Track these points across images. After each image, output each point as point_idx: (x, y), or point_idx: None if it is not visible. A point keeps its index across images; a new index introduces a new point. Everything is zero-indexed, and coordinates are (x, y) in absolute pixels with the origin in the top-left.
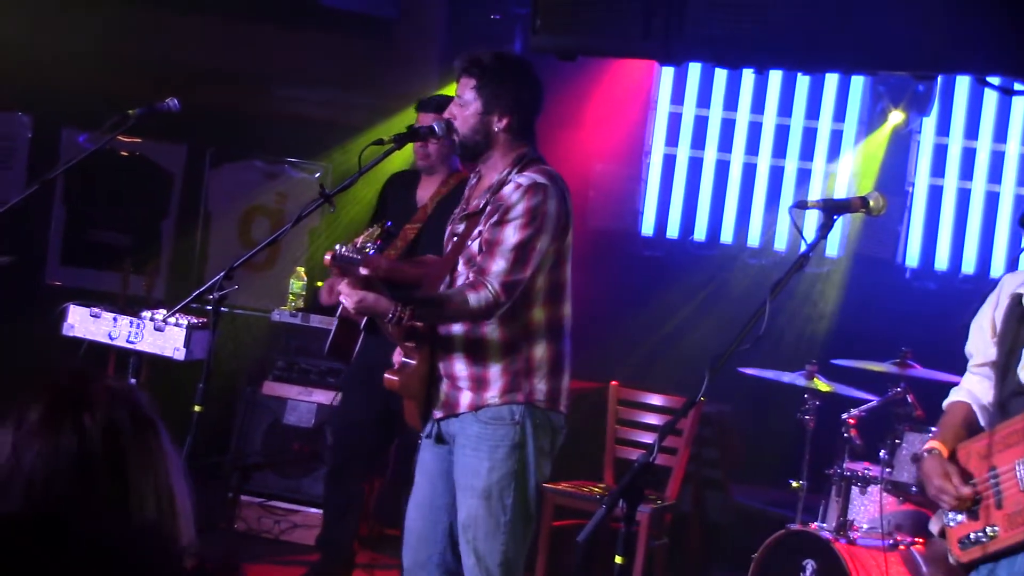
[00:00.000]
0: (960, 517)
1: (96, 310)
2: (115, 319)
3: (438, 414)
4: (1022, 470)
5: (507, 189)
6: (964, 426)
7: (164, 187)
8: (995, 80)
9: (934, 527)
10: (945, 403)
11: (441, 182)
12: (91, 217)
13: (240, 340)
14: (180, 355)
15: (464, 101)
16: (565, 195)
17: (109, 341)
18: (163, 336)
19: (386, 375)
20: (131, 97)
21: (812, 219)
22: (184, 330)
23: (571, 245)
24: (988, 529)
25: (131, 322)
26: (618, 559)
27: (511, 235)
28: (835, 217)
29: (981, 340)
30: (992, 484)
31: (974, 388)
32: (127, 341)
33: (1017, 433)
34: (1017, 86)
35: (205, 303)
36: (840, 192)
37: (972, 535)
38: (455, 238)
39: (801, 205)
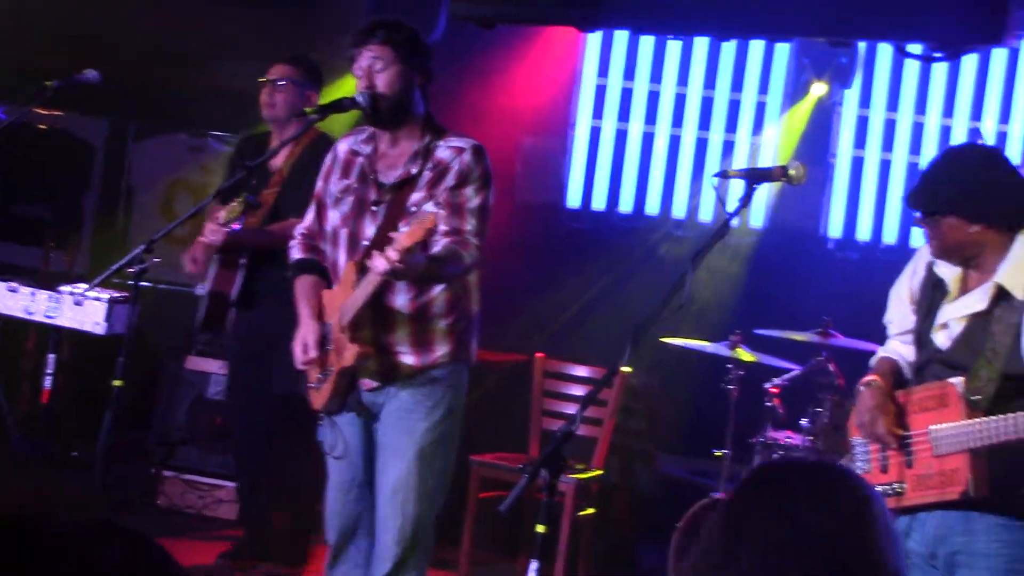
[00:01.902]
0: (870, 467)
1: (13, 284)
2: (33, 293)
3: (370, 384)
4: (936, 436)
5: (445, 154)
6: (893, 374)
7: (85, 160)
8: (916, 49)
9: None
10: (872, 360)
11: (294, 142)
12: (11, 191)
13: (164, 315)
14: (100, 329)
15: (384, 64)
16: None
17: (27, 316)
18: (83, 310)
19: (356, 348)
20: (51, 71)
21: (736, 190)
22: (105, 304)
23: None
24: (896, 485)
25: (50, 296)
26: (540, 528)
27: (473, 196)
28: (756, 186)
29: (899, 309)
30: (905, 443)
31: (899, 349)
32: (45, 316)
33: (933, 399)
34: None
35: (127, 277)
36: (765, 163)
37: (880, 487)
38: (376, 207)
39: (723, 175)
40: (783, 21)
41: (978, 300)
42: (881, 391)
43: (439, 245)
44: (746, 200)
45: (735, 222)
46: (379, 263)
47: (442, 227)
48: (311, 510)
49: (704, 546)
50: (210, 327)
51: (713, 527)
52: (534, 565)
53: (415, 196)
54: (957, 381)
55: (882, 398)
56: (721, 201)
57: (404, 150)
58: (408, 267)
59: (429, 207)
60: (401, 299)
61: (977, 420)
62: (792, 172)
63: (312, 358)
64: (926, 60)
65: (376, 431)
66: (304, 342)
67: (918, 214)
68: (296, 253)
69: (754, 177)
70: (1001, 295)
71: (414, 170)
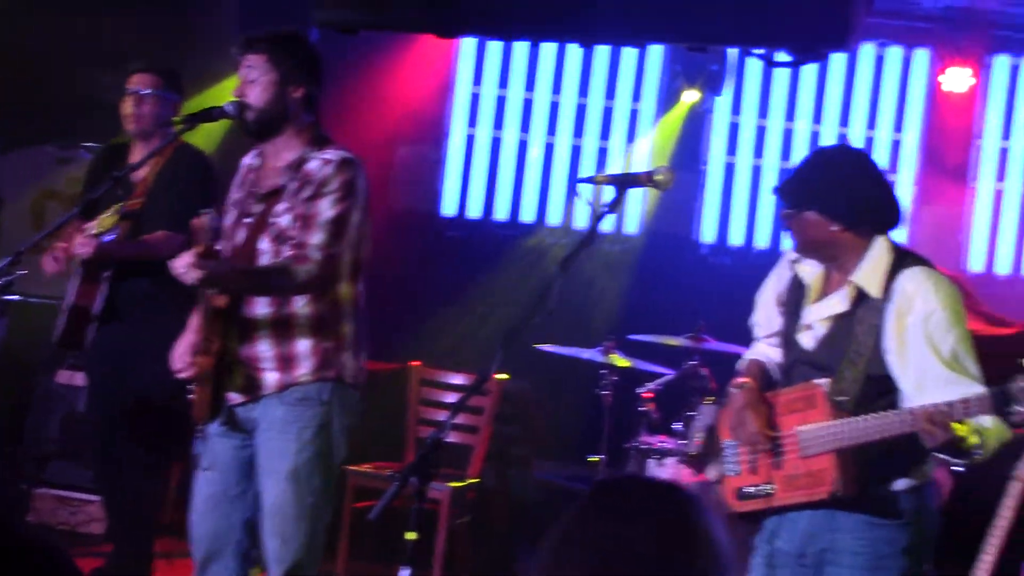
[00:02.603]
0: (740, 468)
1: None
2: None
3: (237, 399)
4: (804, 437)
5: (313, 165)
6: (763, 375)
7: None
8: (785, 57)
9: (712, 473)
10: (740, 363)
11: (158, 153)
12: None
13: (34, 328)
14: None
15: (257, 74)
16: (365, 174)
17: None
18: None
19: (200, 358)
20: None
21: (609, 196)
22: None
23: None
24: (766, 486)
25: None
26: (410, 535)
27: (327, 208)
28: (625, 192)
29: (765, 311)
30: (775, 444)
31: (766, 351)
32: None
33: (800, 400)
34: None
35: None
36: (638, 170)
37: (750, 488)
38: (248, 219)
39: (591, 180)
40: (648, 28)
41: (839, 302)
42: (753, 392)
43: (280, 256)
44: (614, 205)
45: (608, 227)
46: (174, 266)
47: (284, 238)
48: (159, 526)
49: (543, 552)
50: (69, 343)
51: (549, 538)
52: (405, 573)
53: (279, 207)
54: (823, 382)
55: (754, 399)
56: (593, 207)
57: (283, 161)
58: (210, 273)
59: (286, 219)
60: (261, 309)
61: (842, 420)
62: (659, 177)
63: (184, 366)
64: (794, 65)
65: (253, 449)
66: (181, 349)
67: (784, 208)
68: None
69: (622, 182)
70: (861, 296)
71: (282, 181)
